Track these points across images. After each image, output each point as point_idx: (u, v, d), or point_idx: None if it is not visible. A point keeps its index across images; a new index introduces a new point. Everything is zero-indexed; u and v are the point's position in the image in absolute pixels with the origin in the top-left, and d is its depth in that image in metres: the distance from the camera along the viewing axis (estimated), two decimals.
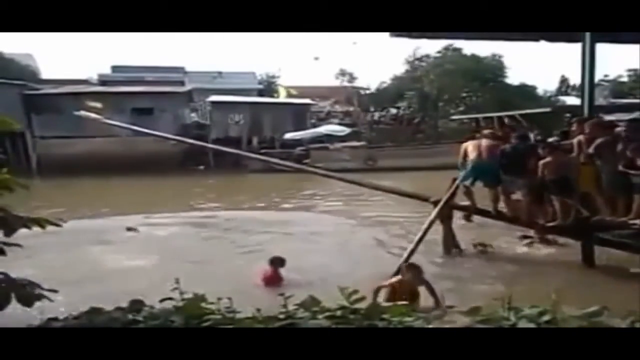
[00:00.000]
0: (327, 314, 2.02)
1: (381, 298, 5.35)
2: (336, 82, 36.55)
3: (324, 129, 28.00)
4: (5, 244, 2.29)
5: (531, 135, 9.27)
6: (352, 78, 36.19)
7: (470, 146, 8.57)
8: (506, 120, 21.35)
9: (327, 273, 7.20)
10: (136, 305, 2.23)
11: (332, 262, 8.19)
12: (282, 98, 35.12)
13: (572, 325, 1.80)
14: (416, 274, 5.75)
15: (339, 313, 2.02)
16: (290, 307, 2.08)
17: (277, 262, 7.16)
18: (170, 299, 2.26)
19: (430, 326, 1.89)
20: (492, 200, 8.50)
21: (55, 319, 2.20)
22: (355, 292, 2.11)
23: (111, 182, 20.36)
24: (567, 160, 7.53)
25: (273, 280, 6.97)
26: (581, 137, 7.60)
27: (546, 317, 1.85)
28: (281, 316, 2.04)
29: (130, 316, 2.13)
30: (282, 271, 7.12)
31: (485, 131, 9.67)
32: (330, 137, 26.90)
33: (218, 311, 2.08)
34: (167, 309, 2.15)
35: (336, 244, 9.73)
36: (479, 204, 8.81)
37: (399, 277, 5.83)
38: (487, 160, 8.37)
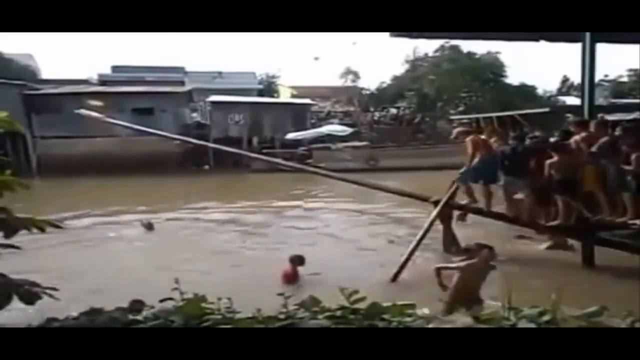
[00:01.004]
0: (327, 314, 2.02)
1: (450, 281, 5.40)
2: (340, 82, 36.58)
3: (326, 129, 28.00)
4: (3, 245, 2.29)
5: (527, 136, 9.25)
6: (356, 77, 36.19)
7: (479, 143, 8.56)
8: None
9: None
10: (136, 305, 2.23)
11: None
12: (285, 98, 35.11)
13: (572, 325, 1.80)
14: (489, 256, 5.53)
15: (339, 313, 2.02)
16: (290, 307, 2.08)
17: (297, 261, 7.23)
18: (170, 299, 2.25)
19: (430, 326, 1.89)
20: (486, 198, 8.51)
21: (55, 319, 2.20)
22: (356, 292, 2.11)
23: (111, 182, 20.34)
24: (572, 161, 7.52)
25: (292, 278, 7.03)
26: (578, 137, 7.61)
27: (546, 317, 1.85)
28: (281, 316, 2.04)
29: (130, 316, 2.13)
30: (300, 269, 7.26)
31: (455, 131, 9.68)
32: (332, 137, 26.91)
33: (218, 311, 2.08)
34: (167, 309, 2.15)
35: None
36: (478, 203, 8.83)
37: (470, 260, 5.61)
38: (491, 158, 8.42)
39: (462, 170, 8.65)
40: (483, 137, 9.03)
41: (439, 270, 5.76)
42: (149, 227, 11.22)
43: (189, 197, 16.52)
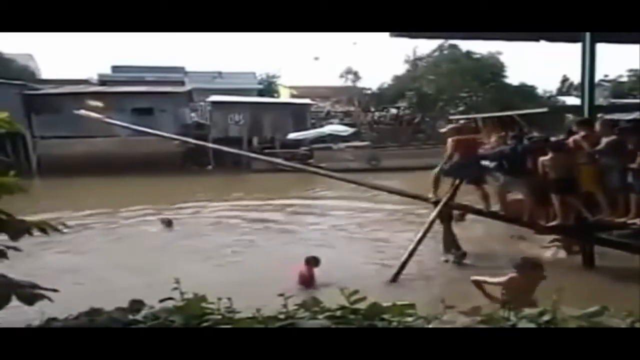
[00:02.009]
0: (327, 314, 2.02)
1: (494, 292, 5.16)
2: (340, 82, 36.56)
3: (328, 128, 27.99)
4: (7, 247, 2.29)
5: (526, 136, 9.24)
6: (356, 77, 36.19)
7: (460, 144, 8.57)
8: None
9: None
10: (136, 305, 2.23)
11: None
12: (285, 98, 35.11)
13: (572, 325, 1.80)
14: (536, 274, 5.06)
15: (339, 313, 2.02)
16: (290, 307, 2.08)
17: (312, 262, 7.23)
18: (170, 299, 2.25)
19: (430, 326, 1.88)
20: (482, 199, 8.51)
21: (55, 319, 2.20)
22: (356, 292, 2.11)
23: (112, 182, 20.33)
24: (568, 159, 7.49)
25: (308, 279, 7.03)
26: (577, 136, 7.60)
27: (546, 317, 1.85)
28: (281, 316, 2.03)
29: (130, 316, 2.13)
30: (316, 271, 7.25)
31: (446, 128, 9.69)
32: (333, 137, 26.90)
33: (218, 311, 2.08)
34: (167, 308, 2.15)
35: None
36: (469, 202, 8.88)
37: (512, 274, 5.19)
38: (473, 159, 8.45)
39: (440, 166, 8.72)
40: (467, 137, 8.95)
41: (479, 283, 5.36)
42: (168, 224, 11.32)
43: (190, 197, 16.54)
